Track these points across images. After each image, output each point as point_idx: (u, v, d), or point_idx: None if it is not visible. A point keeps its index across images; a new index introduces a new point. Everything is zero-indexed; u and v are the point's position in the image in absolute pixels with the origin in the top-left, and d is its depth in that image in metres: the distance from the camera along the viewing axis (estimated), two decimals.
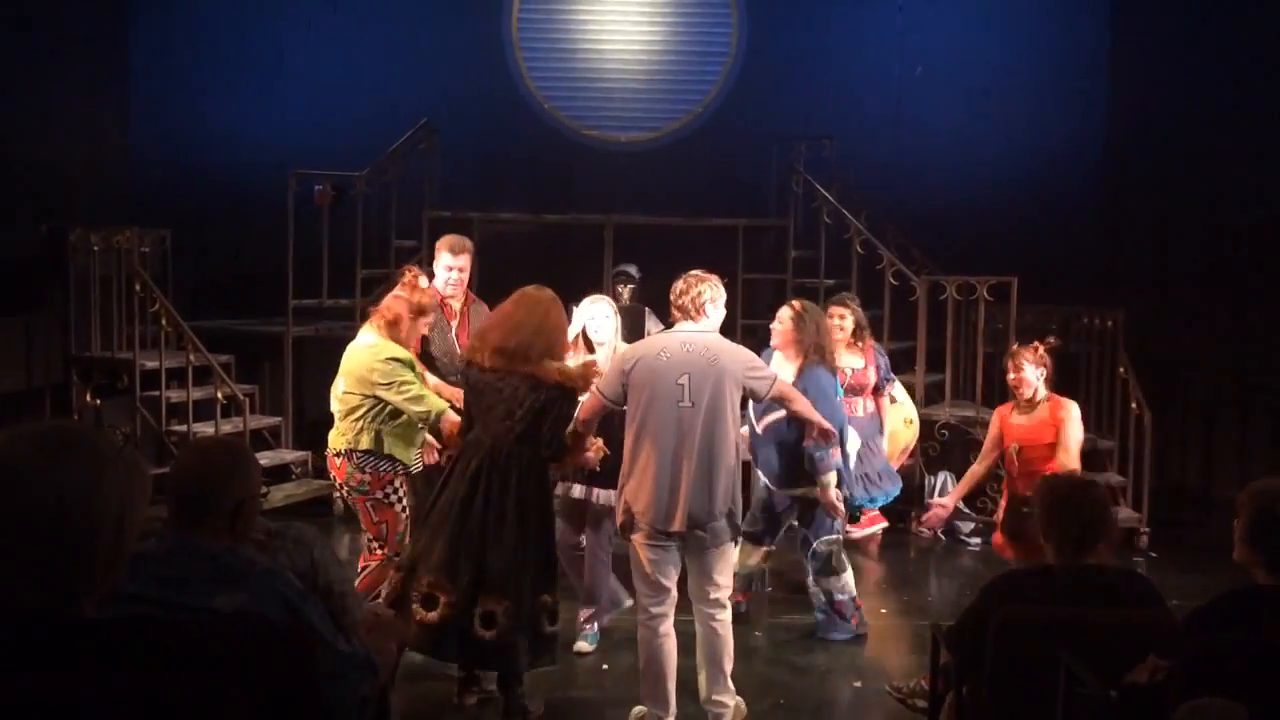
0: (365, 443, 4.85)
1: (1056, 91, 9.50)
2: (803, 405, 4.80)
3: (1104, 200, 9.44)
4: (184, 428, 7.81)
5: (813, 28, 9.75)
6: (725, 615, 4.46)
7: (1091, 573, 3.33)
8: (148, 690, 1.81)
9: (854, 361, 6.21)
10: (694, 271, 4.57)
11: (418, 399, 4.76)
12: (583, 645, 5.34)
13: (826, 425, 4.85)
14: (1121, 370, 7.87)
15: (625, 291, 8.11)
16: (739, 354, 4.46)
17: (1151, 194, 9.03)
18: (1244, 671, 2.54)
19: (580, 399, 4.51)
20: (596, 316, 5.38)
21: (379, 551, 4.95)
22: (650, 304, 7.63)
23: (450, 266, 5.42)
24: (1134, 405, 7.74)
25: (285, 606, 2.46)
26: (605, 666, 5.26)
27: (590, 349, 5.32)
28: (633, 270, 8.22)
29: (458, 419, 4.68)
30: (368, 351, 4.86)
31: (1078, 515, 3.36)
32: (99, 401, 7.97)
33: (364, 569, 4.94)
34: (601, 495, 5.20)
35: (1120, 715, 2.75)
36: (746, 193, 9.40)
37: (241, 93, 9.52)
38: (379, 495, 4.89)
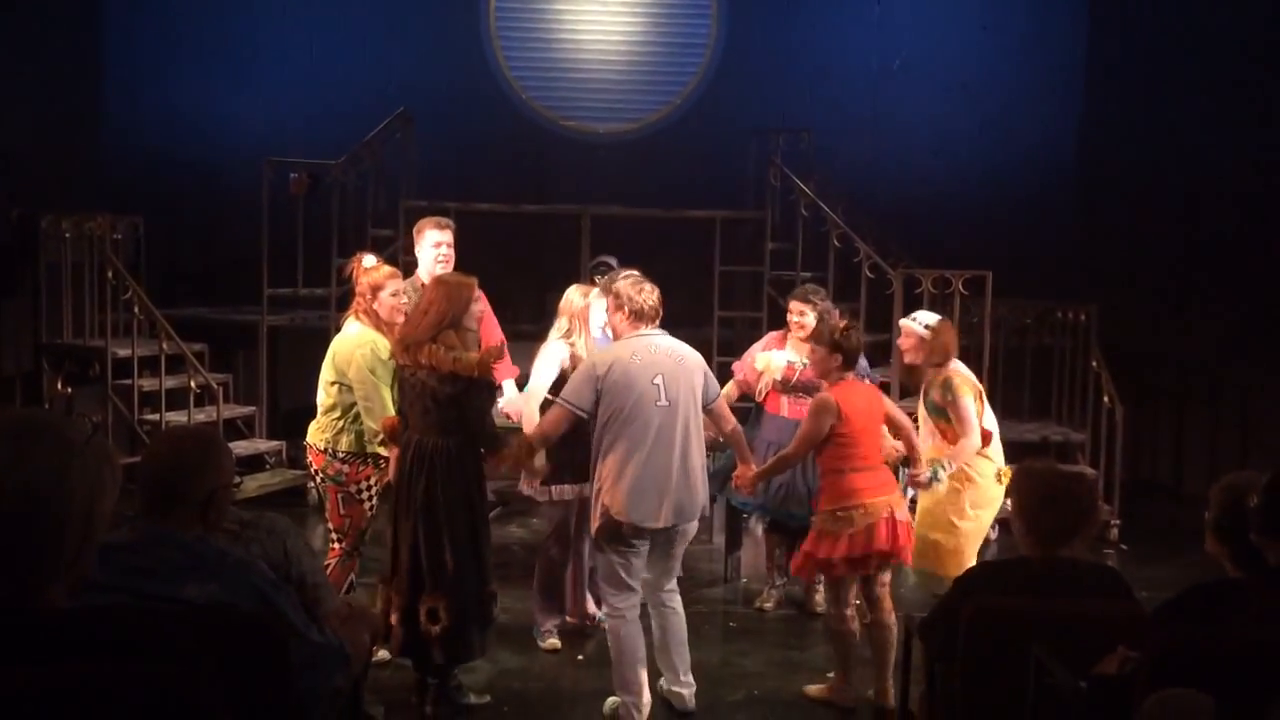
0: (345, 444, 4.84)
1: (1032, 86, 9.56)
2: (737, 431, 4.78)
3: (1078, 195, 9.51)
4: (157, 417, 7.75)
5: (791, 21, 9.77)
6: (679, 596, 4.65)
7: (1065, 565, 3.35)
8: (118, 680, 1.79)
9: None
10: (633, 273, 4.70)
11: (369, 412, 4.73)
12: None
13: (751, 463, 4.85)
14: (1094, 364, 7.93)
15: (604, 284, 8.09)
16: (695, 354, 4.62)
17: (1125, 189, 9.10)
18: (1212, 663, 2.56)
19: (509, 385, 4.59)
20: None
21: (336, 547, 4.93)
22: None
23: (438, 243, 5.40)
24: (1106, 398, 7.81)
25: (258, 597, 2.45)
26: (580, 656, 5.26)
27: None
28: (613, 262, 8.18)
29: (393, 418, 4.64)
30: (350, 339, 4.87)
31: (1063, 512, 3.36)
32: (70, 390, 7.91)
33: (328, 565, 4.90)
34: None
35: (1089, 706, 2.77)
36: (724, 185, 9.40)
37: (216, 78, 9.45)
38: (352, 489, 4.86)
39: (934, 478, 4.99)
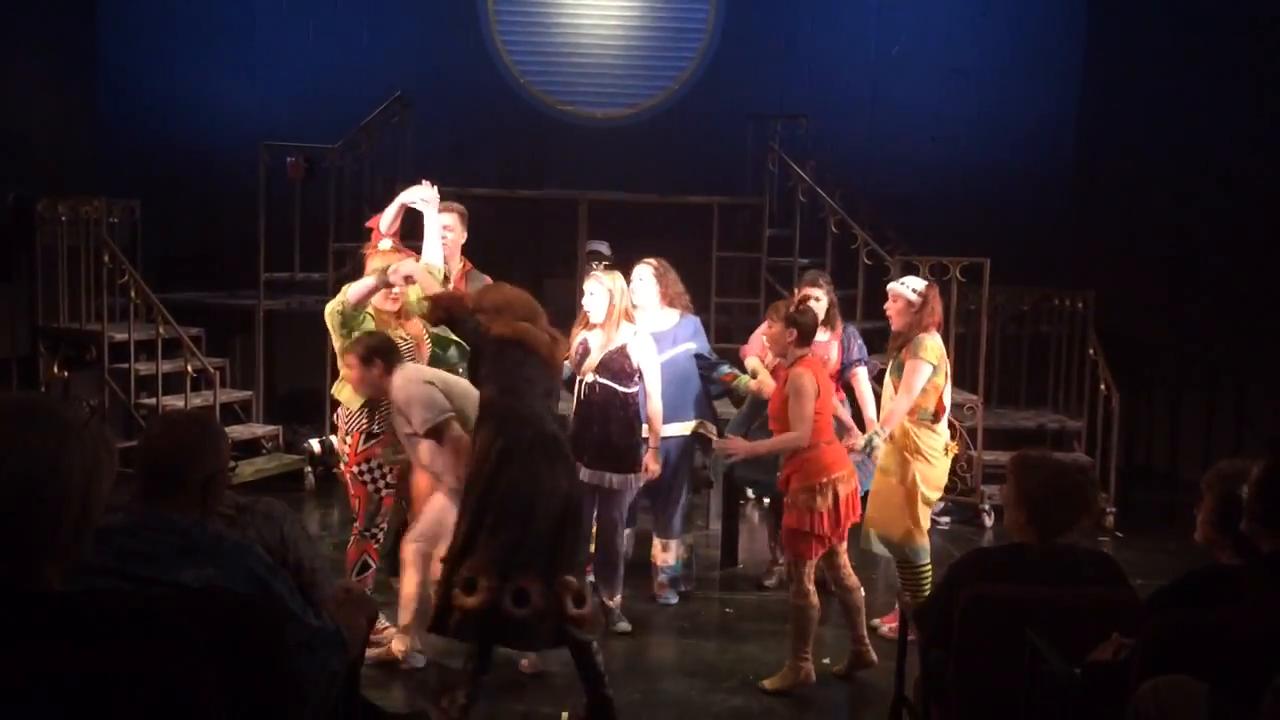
0: None
1: (1031, 73, 9.55)
2: None
3: (1076, 182, 9.51)
4: (153, 401, 7.75)
5: (790, 6, 9.74)
6: None
7: (1061, 553, 3.36)
8: (113, 664, 1.80)
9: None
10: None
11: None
12: (625, 625, 5.37)
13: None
14: (1091, 351, 7.94)
15: (599, 268, 8.08)
16: None
17: (1123, 176, 9.10)
18: (1206, 650, 2.57)
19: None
20: (594, 293, 5.27)
21: (356, 526, 5.02)
22: None
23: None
24: (1103, 386, 7.82)
25: (254, 581, 2.46)
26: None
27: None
28: (604, 249, 8.19)
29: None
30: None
31: (1069, 505, 3.37)
32: (67, 373, 7.90)
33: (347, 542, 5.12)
34: (615, 480, 5.22)
35: (1084, 692, 2.78)
36: (722, 170, 9.39)
37: (212, 62, 9.42)
38: (355, 469, 4.94)
39: (869, 446, 5.09)
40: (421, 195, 5.20)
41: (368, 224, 5.54)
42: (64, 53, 8.93)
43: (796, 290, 5.97)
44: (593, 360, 5.18)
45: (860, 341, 5.89)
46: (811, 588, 4.74)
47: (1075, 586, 3.26)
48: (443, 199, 5.42)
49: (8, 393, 6.34)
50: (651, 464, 5.30)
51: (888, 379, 5.34)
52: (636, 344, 5.21)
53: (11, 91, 8.11)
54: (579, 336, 5.28)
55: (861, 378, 5.72)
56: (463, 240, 5.54)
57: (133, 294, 7.83)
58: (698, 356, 5.75)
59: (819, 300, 5.73)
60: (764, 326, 6.05)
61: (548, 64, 9.86)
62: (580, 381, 5.24)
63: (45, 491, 1.73)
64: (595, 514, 5.31)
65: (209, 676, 1.83)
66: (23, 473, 1.72)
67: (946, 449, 5.30)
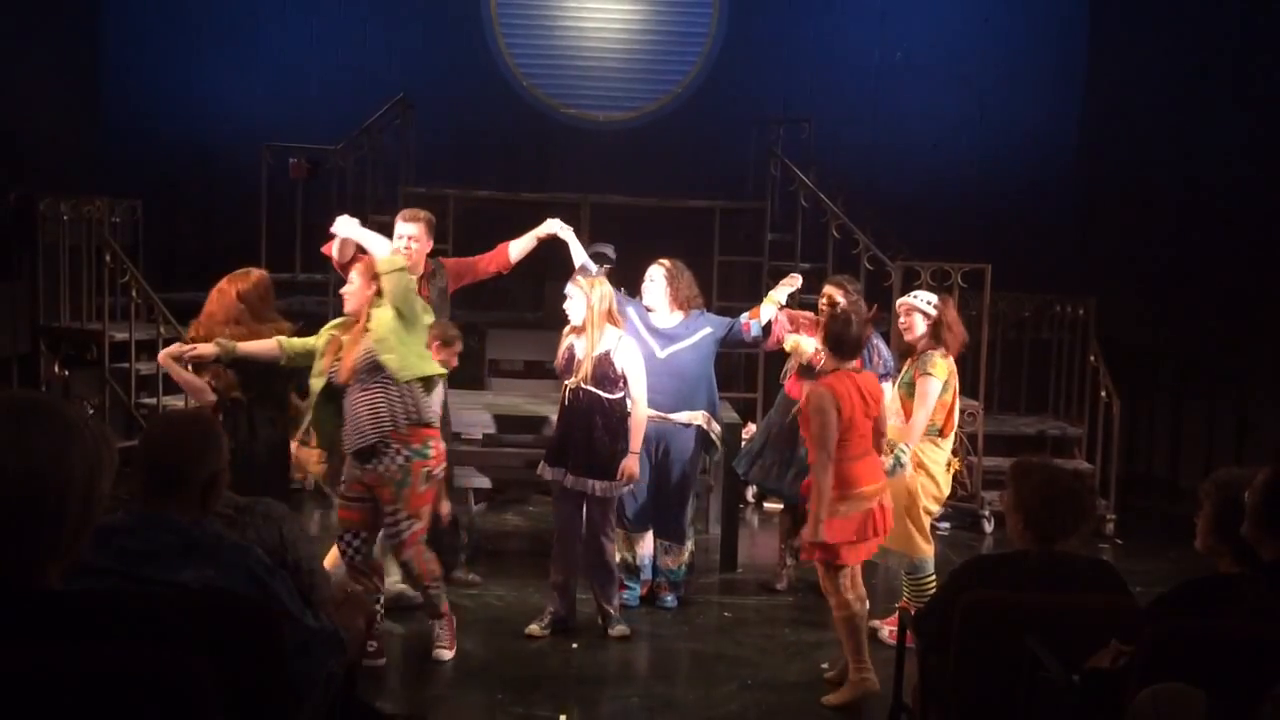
0: None
1: (1033, 79, 9.56)
2: None
3: (1078, 189, 9.51)
4: (154, 400, 7.75)
5: (793, 10, 9.76)
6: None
7: (1060, 560, 3.37)
8: (112, 663, 1.80)
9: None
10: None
11: None
12: (623, 629, 5.30)
13: None
14: (1092, 358, 7.94)
15: (601, 273, 8.07)
16: None
17: (1125, 183, 9.10)
18: (1204, 658, 2.57)
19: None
20: (572, 297, 5.25)
21: None
22: (625, 285, 7.61)
23: (399, 235, 5.43)
24: (1103, 393, 7.81)
25: (253, 581, 2.46)
26: (574, 645, 5.27)
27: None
28: (609, 251, 8.17)
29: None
30: None
31: (1065, 511, 3.38)
32: (67, 372, 7.90)
33: None
34: (599, 486, 5.17)
35: (1082, 699, 2.78)
36: (724, 174, 9.40)
37: (215, 62, 9.44)
38: None
39: (896, 464, 5.02)
40: (343, 227, 5.11)
41: (323, 250, 5.45)
42: (67, 52, 8.95)
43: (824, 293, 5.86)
44: (585, 371, 5.11)
45: (886, 353, 5.75)
46: (851, 596, 4.59)
47: (1074, 593, 3.26)
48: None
49: (8, 391, 6.34)
50: (631, 467, 5.16)
51: (895, 392, 5.32)
52: (620, 349, 5.16)
53: (14, 90, 8.12)
54: (566, 341, 5.26)
55: (887, 393, 5.62)
56: (428, 249, 5.54)
57: (134, 293, 7.83)
58: (721, 339, 5.68)
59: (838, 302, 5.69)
60: (788, 321, 6.02)
61: (550, 66, 9.88)
62: (565, 387, 5.21)
63: (47, 490, 1.73)
64: (585, 521, 5.24)
65: (208, 676, 1.83)
66: (24, 471, 1.72)
67: (949, 465, 5.30)
